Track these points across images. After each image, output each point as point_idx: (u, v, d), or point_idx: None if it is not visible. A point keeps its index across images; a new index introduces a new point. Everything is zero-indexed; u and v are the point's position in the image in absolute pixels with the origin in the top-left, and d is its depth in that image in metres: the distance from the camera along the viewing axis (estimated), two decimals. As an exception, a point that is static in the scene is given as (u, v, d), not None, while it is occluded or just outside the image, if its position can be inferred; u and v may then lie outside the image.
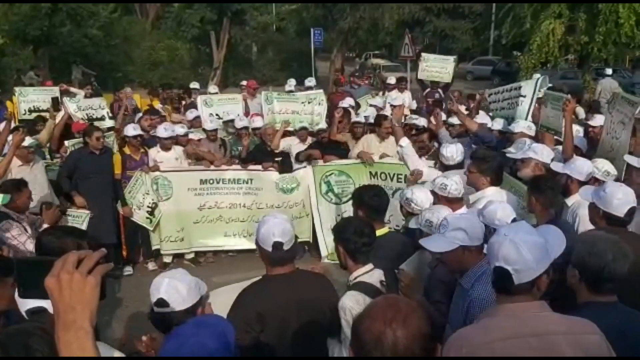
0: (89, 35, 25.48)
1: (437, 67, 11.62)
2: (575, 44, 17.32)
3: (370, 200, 4.07)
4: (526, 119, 6.44)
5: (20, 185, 5.13)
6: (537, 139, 6.08)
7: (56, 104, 7.49)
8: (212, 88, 11.81)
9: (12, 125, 7.11)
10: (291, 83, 12.49)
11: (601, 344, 2.11)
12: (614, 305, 2.57)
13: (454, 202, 4.04)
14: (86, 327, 1.37)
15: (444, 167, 5.26)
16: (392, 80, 12.83)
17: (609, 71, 14.87)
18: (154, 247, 7.57)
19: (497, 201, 3.77)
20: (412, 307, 1.66)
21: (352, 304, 2.99)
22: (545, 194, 3.86)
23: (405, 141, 5.52)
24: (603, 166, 4.64)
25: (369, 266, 3.24)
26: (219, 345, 1.85)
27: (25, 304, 2.08)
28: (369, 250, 3.24)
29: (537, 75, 8.45)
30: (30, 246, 4.72)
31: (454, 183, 4.15)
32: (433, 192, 4.20)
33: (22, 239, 4.83)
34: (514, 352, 2.02)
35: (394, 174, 7.28)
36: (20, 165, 6.38)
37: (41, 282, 1.37)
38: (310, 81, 12.39)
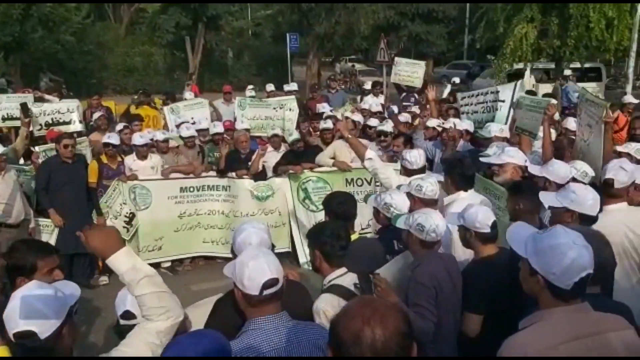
0: (62, 41, 25.13)
1: (409, 71, 11.78)
2: (547, 47, 17.55)
3: (337, 208, 4.09)
4: (506, 123, 6.50)
5: None
6: (509, 141, 6.16)
7: (25, 110, 7.32)
8: (188, 94, 11.72)
9: None
10: (269, 87, 12.48)
11: (635, 337, 2.20)
12: (598, 297, 2.62)
13: (429, 204, 4.03)
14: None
15: (407, 172, 5.23)
16: (367, 85, 12.93)
17: (567, 72, 15.10)
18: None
19: (476, 204, 3.78)
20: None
21: (326, 306, 3.02)
22: (529, 199, 3.87)
23: (370, 153, 5.20)
24: (581, 167, 4.69)
25: (343, 269, 3.27)
26: (220, 352, 1.96)
27: (15, 326, 2.04)
28: (344, 254, 3.27)
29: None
30: None
31: (429, 184, 4.17)
32: (408, 194, 4.20)
33: None
34: (577, 354, 2.07)
35: (371, 179, 7.25)
36: (-8, 175, 6.24)
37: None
38: (292, 86, 12.42)
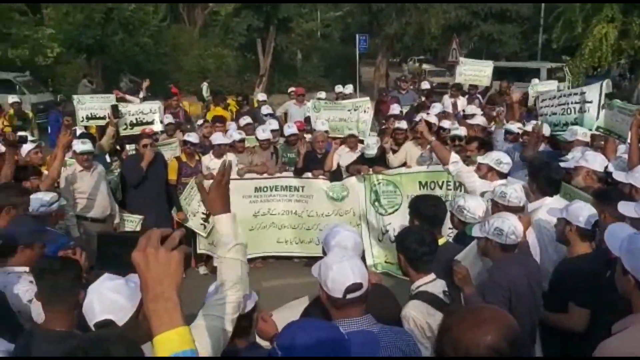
0: (140, 44, 26.14)
1: (475, 70, 11.54)
2: (629, 48, 16.83)
3: (426, 210, 3.99)
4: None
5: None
6: (592, 145, 5.94)
7: (116, 111, 7.69)
8: (260, 95, 11.97)
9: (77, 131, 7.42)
10: (338, 89, 12.59)
11: None
12: None
13: (515, 211, 3.91)
14: (174, 298, 1.44)
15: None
16: (426, 85, 12.82)
17: None
18: (200, 251, 7.66)
19: (580, 201, 3.73)
20: (501, 312, 1.71)
21: (416, 313, 2.99)
22: (615, 207, 3.71)
23: (455, 157, 5.02)
24: None
25: (432, 276, 3.22)
26: (330, 342, 1.97)
27: (93, 317, 2.18)
28: (430, 260, 3.21)
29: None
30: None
31: (514, 191, 4.08)
32: (493, 202, 4.14)
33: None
34: None
35: (442, 182, 7.12)
36: (81, 171, 6.59)
37: (121, 257, 1.46)
38: (347, 88, 12.50)
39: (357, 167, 7.60)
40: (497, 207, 4.09)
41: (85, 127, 8.35)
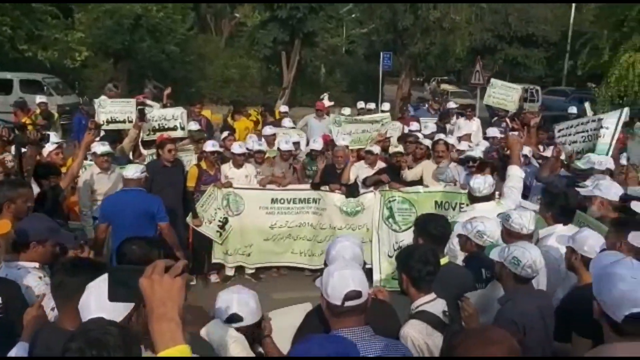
0: (166, 51, 26.53)
1: (504, 94, 11.50)
2: (656, 78, 16.67)
3: (434, 230, 3.98)
4: (608, 152, 6.16)
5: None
6: (612, 174, 5.87)
7: (142, 114, 7.76)
8: (283, 107, 12.04)
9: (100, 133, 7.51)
10: (360, 105, 12.67)
11: None
12: None
13: (515, 237, 3.90)
14: (177, 319, 1.58)
15: (472, 199, 5.17)
16: (451, 104, 12.82)
17: None
18: (215, 261, 7.74)
19: (589, 229, 3.69)
20: (505, 335, 1.73)
21: (414, 333, 2.97)
22: None
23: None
24: None
25: (432, 295, 3.20)
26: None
27: (88, 314, 2.21)
28: (432, 279, 3.20)
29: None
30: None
31: (518, 217, 4.02)
32: (503, 226, 4.11)
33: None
34: None
35: (455, 203, 7.11)
36: (99, 173, 6.69)
37: (130, 285, 1.59)
38: (384, 106, 12.59)
39: (377, 177, 7.63)
40: (505, 231, 4.06)
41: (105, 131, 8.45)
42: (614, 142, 6.23)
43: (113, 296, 1.70)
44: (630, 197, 4.79)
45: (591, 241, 3.46)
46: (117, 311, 2.19)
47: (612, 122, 6.29)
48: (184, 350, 1.55)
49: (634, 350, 2.08)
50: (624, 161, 6.36)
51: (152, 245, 3.11)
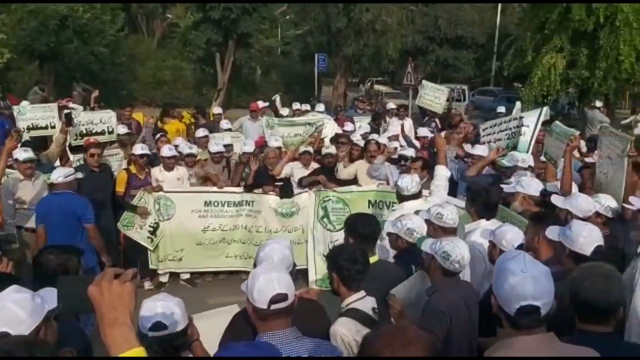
0: (95, 53, 25.69)
1: (432, 96, 11.88)
2: (576, 78, 17.48)
3: (363, 229, 4.05)
4: (528, 150, 6.45)
5: None
6: (534, 170, 6.13)
7: (69, 119, 7.49)
8: (217, 109, 11.91)
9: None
10: (295, 106, 12.68)
11: None
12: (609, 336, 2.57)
13: (448, 232, 4.03)
14: (129, 323, 1.61)
15: (401, 198, 5.32)
16: (391, 105, 13.10)
17: (599, 103, 14.88)
18: (151, 267, 7.57)
19: (510, 225, 3.82)
20: (420, 334, 1.73)
21: (344, 330, 3.02)
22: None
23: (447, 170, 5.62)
24: (606, 201, 4.65)
25: (361, 293, 3.25)
26: None
27: None
28: (361, 278, 3.25)
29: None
30: None
31: (450, 212, 4.16)
32: (427, 221, 4.21)
33: None
34: None
35: (389, 202, 7.16)
36: (22, 180, 6.42)
37: (80, 296, 1.60)
38: (319, 107, 12.66)
39: (313, 177, 7.66)
40: (431, 226, 4.16)
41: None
42: (534, 140, 6.52)
43: (67, 308, 1.70)
44: (549, 192, 5.02)
45: (509, 236, 3.61)
46: (23, 325, 2.13)
47: (532, 121, 6.58)
48: (139, 352, 1.58)
49: (530, 345, 2.15)
50: (543, 158, 6.65)
51: (69, 252, 3.02)
